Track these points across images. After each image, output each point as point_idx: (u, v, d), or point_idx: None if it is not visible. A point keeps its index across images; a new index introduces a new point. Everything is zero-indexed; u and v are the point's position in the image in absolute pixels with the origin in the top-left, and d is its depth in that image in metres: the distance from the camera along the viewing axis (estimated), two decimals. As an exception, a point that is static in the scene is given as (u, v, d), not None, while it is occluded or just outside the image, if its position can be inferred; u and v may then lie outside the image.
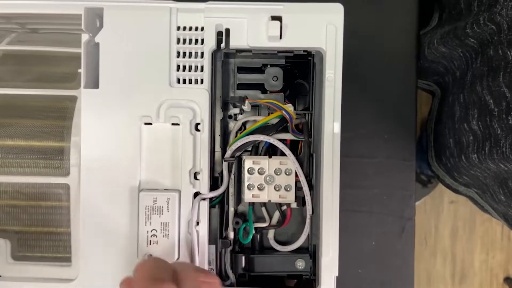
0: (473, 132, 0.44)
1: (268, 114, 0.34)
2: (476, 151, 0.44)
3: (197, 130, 0.31)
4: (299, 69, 0.34)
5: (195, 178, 0.31)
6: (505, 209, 0.46)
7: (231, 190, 0.33)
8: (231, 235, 0.33)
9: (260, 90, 0.34)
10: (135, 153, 0.30)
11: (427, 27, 0.56)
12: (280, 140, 0.32)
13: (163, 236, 0.30)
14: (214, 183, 0.33)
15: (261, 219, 0.35)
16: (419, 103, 0.47)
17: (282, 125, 0.33)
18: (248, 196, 0.33)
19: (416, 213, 0.47)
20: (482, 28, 0.40)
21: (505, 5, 0.36)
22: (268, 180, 0.33)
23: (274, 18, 0.30)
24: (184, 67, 0.31)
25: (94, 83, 0.31)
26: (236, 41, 0.31)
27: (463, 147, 0.46)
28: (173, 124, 0.31)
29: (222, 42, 0.31)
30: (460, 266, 1.07)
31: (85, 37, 0.30)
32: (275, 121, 0.33)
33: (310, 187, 0.32)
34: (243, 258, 0.33)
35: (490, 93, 0.40)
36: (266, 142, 0.33)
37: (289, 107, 0.32)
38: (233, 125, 0.34)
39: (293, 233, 0.34)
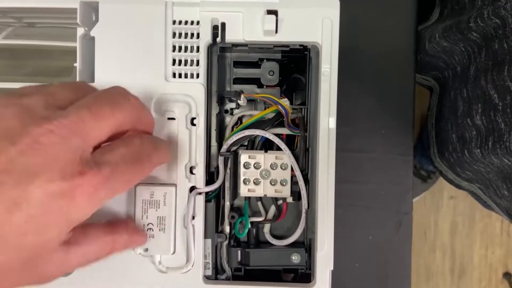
0: (477, 127, 0.44)
1: (265, 109, 0.34)
2: (479, 146, 0.44)
3: (193, 124, 0.31)
4: (296, 63, 0.34)
5: (191, 172, 0.31)
6: (508, 204, 0.46)
7: (227, 184, 0.33)
8: (227, 229, 0.34)
9: (257, 84, 0.34)
10: (131, 147, 0.30)
11: (427, 22, 0.55)
12: (276, 134, 0.33)
13: (159, 230, 0.30)
14: (210, 177, 0.33)
15: (257, 213, 0.35)
16: (419, 98, 0.47)
17: (278, 120, 0.33)
18: (244, 190, 0.33)
19: (416, 208, 0.47)
20: (486, 22, 0.40)
21: None
22: (264, 175, 0.33)
23: (269, 12, 0.30)
24: (180, 61, 0.31)
25: (89, 77, 0.31)
26: (232, 35, 0.31)
27: (466, 142, 0.46)
28: (169, 118, 0.31)
29: (218, 36, 0.31)
30: (459, 261, 1.07)
31: (80, 31, 0.30)
32: (271, 115, 0.33)
33: (306, 181, 0.33)
34: (239, 252, 0.33)
35: (495, 87, 0.40)
36: (262, 136, 0.33)
37: (285, 101, 0.32)
38: (229, 120, 0.34)
39: (289, 227, 0.34)
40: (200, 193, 0.31)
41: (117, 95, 0.25)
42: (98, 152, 0.23)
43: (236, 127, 0.34)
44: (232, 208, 0.34)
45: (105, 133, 0.23)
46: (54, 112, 0.22)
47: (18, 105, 0.22)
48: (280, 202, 0.34)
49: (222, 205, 0.34)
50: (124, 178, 0.23)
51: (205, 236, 0.32)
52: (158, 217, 0.30)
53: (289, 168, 0.33)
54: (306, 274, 0.33)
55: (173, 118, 0.31)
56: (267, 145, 0.34)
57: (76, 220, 0.22)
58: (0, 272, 0.21)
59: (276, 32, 0.30)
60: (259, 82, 0.34)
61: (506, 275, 1.07)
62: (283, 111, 0.32)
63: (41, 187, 0.20)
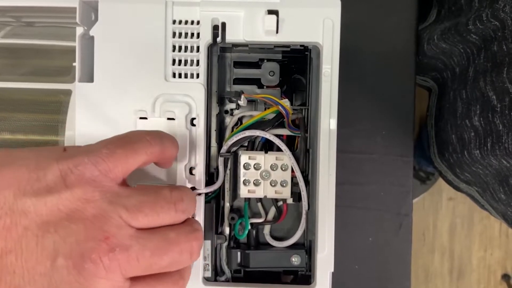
0: (475, 128, 0.44)
1: (265, 109, 0.33)
2: (478, 147, 0.44)
3: (193, 125, 0.31)
4: (296, 64, 0.34)
5: (191, 173, 0.31)
6: (504, 208, 0.46)
7: (226, 185, 0.33)
8: (227, 230, 0.33)
9: (257, 85, 0.34)
10: (130, 148, 0.30)
11: (425, 22, 0.55)
12: (277, 135, 0.32)
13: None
14: (210, 178, 0.33)
15: (257, 214, 0.34)
16: (418, 99, 0.47)
17: (278, 120, 0.33)
18: (243, 191, 0.33)
19: (415, 210, 0.47)
20: (485, 24, 0.40)
21: (508, 1, 0.36)
22: (264, 176, 0.32)
23: (270, 12, 0.30)
24: (180, 61, 0.31)
25: (88, 77, 0.30)
26: (232, 35, 0.30)
27: (465, 143, 0.46)
28: (168, 118, 0.30)
29: (218, 36, 0.30)
30: (458, 263, 1.07)
31: (79, 30, 0.30)
32: (271, 116, 0.33)
33: (306, 182, 0.32)
34: (239, 253, 0.33)
35: (493, 89, 0.40)
36: (262, 137, 0.33)
37: (286, 102, 0.32)
38: (229, 120, 0.34)
39: (289, 228, 0.34)
40: (199, 194, 0.31)
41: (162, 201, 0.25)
42: None
43: (236, 128, 0.33)
44: (232, 209, 0.34)
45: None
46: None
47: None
48: (280, 203, 0.34)
49: (222, 206, 0.33)
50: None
51: (205, 238, 0.31)
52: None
53: (290, 169, 0.32)
54: (306, 275, 0.33)
55: (173, 119, 0.30)
56: (267, 146, 0.34)
57: None
58: None
59: (277, 32, 0.30)
60: (259, 83, 0.33)
61: (505, 277, 1.07)
62: (284, 111, 0.32)
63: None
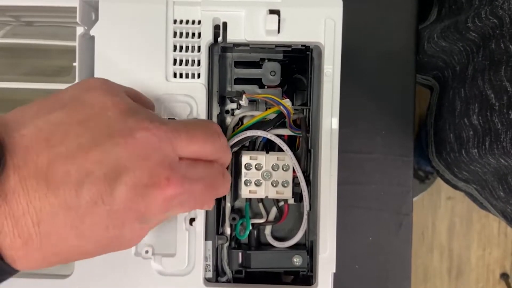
0: (473, 127, 0.43)
1: (266, 109, 0.33)
2: (476, 146, 0.44)
3: (194, 125, 0.30)
4: (297, 64, 0.34)
5: (192, 173, 0.30)
6: (503, 205, 0.46)
7: (228, 185, 0.33)
8: (228, 231, 0.33)
9: (258, 85, 0.34)
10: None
11: (426, 21, 0.55)
12: (278, 135, 0.32)
13: (162, 232, 0.30)
14: (211, 178, 0.32)
15: (258, 215, 0.34)
16: (417, 98, 0.47)
17: (279, 121, 0.33)
18: (245, 192, 0.32)
19: (414, 209, 0.47)
20: (483, 22, 0.40)
21: None
22: (265, 176, 0.32)
23: (272, 11, 0.30)
24: (181, 61, 0.30)
25: (89, 77, 0.30)
26: (234, 35, 0.30)
27: (463, 142, 0.46)
28: (169, 118, 0.30)
29: (219, 36, 0.30)
30: (456, 262, 1.08)
31: (80, 30, 0.30)
32: (272, 116, 0.33)
33: (308, 183, 0.32)
34: (240, 254, 0.33)
35: (492, 87, 0.40)
36: (264, 137, 0.33)
37: (287, 102, 0.32)
38: (230, 120, 0.34)
39: (290, 229, 0.34)
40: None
41: (212, 131, 0.25)
42: (183, 164, 0.23)
43: (237, 128, 0.33)
44: (233, 209, 0.34)
45: (190, 155, 0.24)
46: (155, 118, 0.23)
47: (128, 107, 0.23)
48: (281, 203, 0.34)
49: (223, 207, 0.33)
50: (195, 197, 0.24)
51: (206, 238, 0.31)
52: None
53: (291, 169, 0.32)
54: (307, 276, 0.32)
55: (174, 119, 0.30)
56: (269, 146, 0.34)
57: (143, 222, 0.22)
58: (76, 254, 0.22)
59: (278, 32, 0.30)
60: (260, 83, 0.33)
61: (503, 275, 1.07)
62: (285, 111, 0.32)
63: (127, 184, 0.20)
